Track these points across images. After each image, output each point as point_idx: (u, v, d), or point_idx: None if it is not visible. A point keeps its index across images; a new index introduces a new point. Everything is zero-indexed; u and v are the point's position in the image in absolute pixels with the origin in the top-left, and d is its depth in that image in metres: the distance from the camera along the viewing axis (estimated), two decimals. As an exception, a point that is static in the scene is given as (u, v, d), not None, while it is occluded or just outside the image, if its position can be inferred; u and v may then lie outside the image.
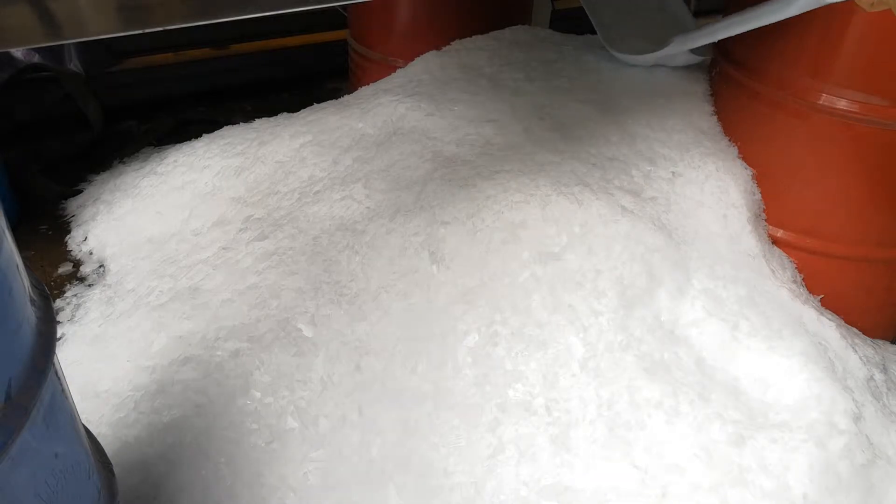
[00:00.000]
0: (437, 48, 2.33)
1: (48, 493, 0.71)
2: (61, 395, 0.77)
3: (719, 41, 1.90)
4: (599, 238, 1.52)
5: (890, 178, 1.59)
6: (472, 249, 1.52)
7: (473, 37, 2.35)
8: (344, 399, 1.38)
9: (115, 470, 0.97)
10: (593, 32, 2.35)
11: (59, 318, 1.71)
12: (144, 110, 2.76)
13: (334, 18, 2.95)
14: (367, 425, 1.35)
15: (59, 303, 1.78)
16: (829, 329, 1.54)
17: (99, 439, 1.01)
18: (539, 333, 1.42)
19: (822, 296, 1.70)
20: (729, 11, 1.86)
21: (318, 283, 1.55)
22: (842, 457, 1.29)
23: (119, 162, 2.35)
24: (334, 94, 2.58)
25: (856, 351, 1.52)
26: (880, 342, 1.70)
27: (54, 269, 1.95)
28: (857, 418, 1.35)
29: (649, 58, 2.08)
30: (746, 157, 1.80)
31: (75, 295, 1.80)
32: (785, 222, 1.72)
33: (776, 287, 1.59)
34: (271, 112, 2.26)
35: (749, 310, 1.49)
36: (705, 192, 1.72)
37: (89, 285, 1.84)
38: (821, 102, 1.55)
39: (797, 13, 1.40)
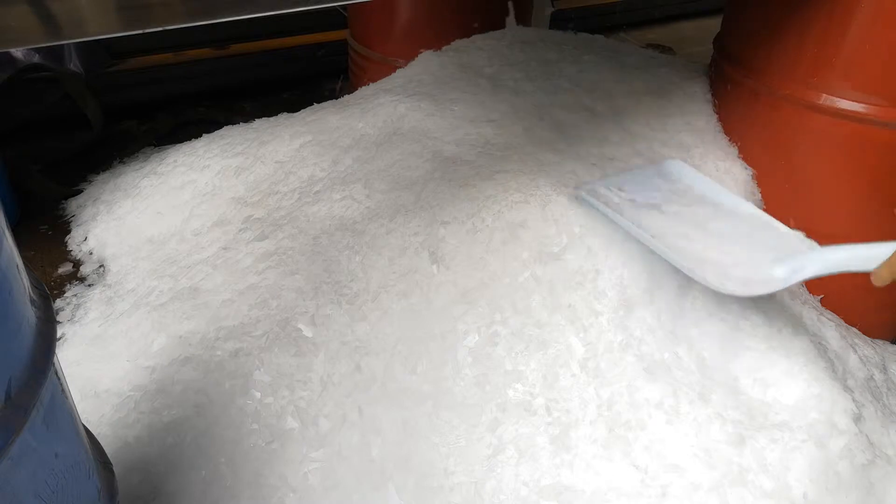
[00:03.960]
0: (437, 48, 2.33)
1: (48, 493, 0.71)
2: (61, 395, 0.77)
3: (718, 41, 1.91)
4: (599, 238, 1.52)
5: (890, 178, 1.58)
6: (472, 249, 1.52)
7: (473, 37, 2.35)
8: (344, 399, 1.38)
9: (115, 470, 0.97)
10: (593, 32, 2.35)
11: (59, 318, 1.71)
12: (144, 110, 2.77)
13: (334, 18, 2.95)
14: (367, 425, 1.35)
15: (59, 303, 1.78)
16: (829, 329, 1.54)
17: (99, 439, 1.01)
18: (539, 333, 1.42)
19: (822, 296, 1.70)
20: (729, 11, 1.87)
21: (318, 283, 1.55)
22: (842, 457, 1.29)
23: (119, 162, 2.35)
24: (334, 94, 2.58)
25: (856, 351, 1.52)
26: (880, 342, 1.70)
27: (54, 269, 1.95)
28: (857, 418, 1.35)
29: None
30: (746, 157, 1.80)
31: (75, 295, 1.80)
32: (785, 222, 1.72)
33: (776, 287, 1.58)
34: (271, 112, 2.26)
35: (749, 309, 1.49)
36: (705, 192, 1.72)
37: (89, 285, 1.84)
38: (821, 102, 1.55)
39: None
